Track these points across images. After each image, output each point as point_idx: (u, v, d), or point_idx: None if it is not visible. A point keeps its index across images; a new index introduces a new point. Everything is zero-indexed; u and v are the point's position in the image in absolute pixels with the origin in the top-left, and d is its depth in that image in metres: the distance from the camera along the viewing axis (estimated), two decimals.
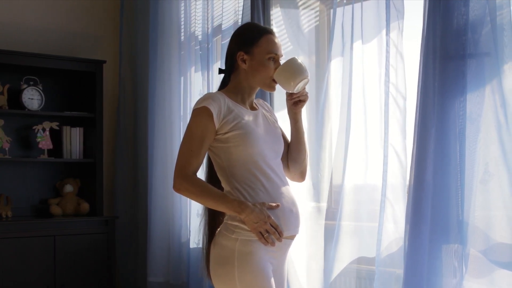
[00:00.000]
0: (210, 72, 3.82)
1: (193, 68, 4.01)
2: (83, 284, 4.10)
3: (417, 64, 2.46)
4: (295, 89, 2.15)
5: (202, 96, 2.12)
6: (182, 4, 4.11)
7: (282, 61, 2.18)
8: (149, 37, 4.23)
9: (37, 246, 3.96)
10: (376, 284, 2.67)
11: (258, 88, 2.22)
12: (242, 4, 3.51)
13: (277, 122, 2.30)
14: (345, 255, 2.90)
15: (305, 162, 2.29)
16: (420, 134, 2.21)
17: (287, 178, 2.21)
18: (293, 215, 2.10)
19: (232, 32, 3.62)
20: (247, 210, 1.99)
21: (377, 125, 2.83)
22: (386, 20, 2.73)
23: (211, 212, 2.19)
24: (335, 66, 3.04)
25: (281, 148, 2.20)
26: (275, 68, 2.13)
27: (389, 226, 2.69)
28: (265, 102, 2.35)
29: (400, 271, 2.53)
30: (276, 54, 2.15)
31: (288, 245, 2.14)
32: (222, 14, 3.79)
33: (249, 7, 3.38)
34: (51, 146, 4.23)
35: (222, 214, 2.15)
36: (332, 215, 2.99)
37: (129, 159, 4.53)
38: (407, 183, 2.47)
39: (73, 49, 4.53)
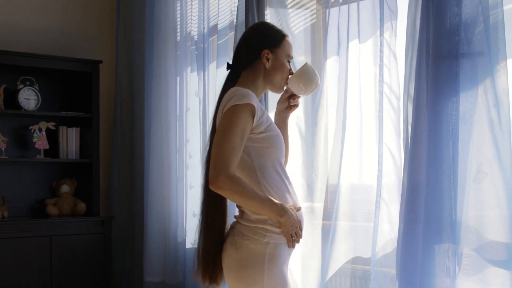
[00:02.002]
0: (206, 72, 3.82)
1: (189, 68, 4.01)
2: (80, 284, 4.10)
3: (410, 64, 2.46)
4: (305, 94, 2.24)
5: (235, 91, 2.06)
6: (178, 4, 4.11)
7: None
8: (145, 37, 4.23)
9: (33, 246, 3.96)
10: (372, 284, 2.68)
11: (271, 88, 2.24)
12: (237, 4, 3.51)
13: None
14: (340, 255, 2.90)
15: (287, 161, 2.36)
16: (413, 134, 2.21)
17: None
18: (300, 216, 2.15)
19: (227, 32, 3.71)
20: (287, 214, 2.03)
21: (372, 124, 2.83)
22: (380, 20, 2.74)
23: (213, 215, 2.15)
24: (330, 65, 3.04)
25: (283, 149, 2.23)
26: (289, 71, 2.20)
27: (384, 226, 2.69)
28: None
29: (394, 271, 2.53)
30: (292, 57, 2.23)
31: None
32: (218, 14, 3.79)
33: (244, 7, 3.39)
34: (47, 146, 4.23)
35: (225, 216, 2.14)
36: (328, 215, 2.99)
37: (126, 159, 4.53)
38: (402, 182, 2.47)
39: (69, 49, 4.53)
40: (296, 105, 2.31)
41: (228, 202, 2.20)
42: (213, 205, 2.14)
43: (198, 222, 2.21)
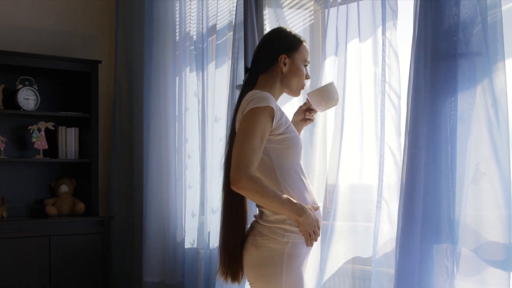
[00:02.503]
0: (205, 72, 3.81)
1: (188, 68, 4.01)
2: (79, 284, 4.10)
3: (409, 64, 2.46)
4: (323, 110, 2.32)
5: (254, 94, 2.12)
6: (177, 4, 4.11)
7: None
8: (144, 37, 4.23)
9: (32, 246, 3.96)
10: (373, 284, 2.67)
11: (288, 92, 2.30)
12: (236, 4, 3.51)
13: None
14: (339, 255, 2.90)
15: None
16: (412, 134, 2.21)
17: None
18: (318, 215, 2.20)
19: (226, 32, 3.71)
20: (306, 213, 2.09)
21: (372, 123, 2.83)
22: (382, 20, 2.74)
23: (234, 214, 2.21)
24: (329, 65, 3.04)
25: None
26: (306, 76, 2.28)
27: (385, 226, 2.69)
28: None
29: (393, 271, 2.53)
30: (308, 62, 2.29)
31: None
32: (216, 14, 3.79)
33: (242, 7, 3.39)
34: (46, 146, 4.23)
35: (245, 216, 2.21)
36: (326, 215, 2.99)
37: (125, 159, 4.53)
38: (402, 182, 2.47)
39: (68, 49, 4.53)
40: (311, 120, 2.39)
41: (248, 201, 2.25)
42: (234, 205, 2.21)
43: (220, 222, 2.28)
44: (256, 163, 2.06)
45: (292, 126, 2.20)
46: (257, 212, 2.24)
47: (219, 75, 3.74)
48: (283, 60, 2.22)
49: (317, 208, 2.18)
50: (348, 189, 2.90)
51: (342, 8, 2.93)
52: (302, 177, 2.18)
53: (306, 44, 2.29)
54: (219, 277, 2.24)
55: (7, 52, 4.06)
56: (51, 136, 4.32)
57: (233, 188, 2.07)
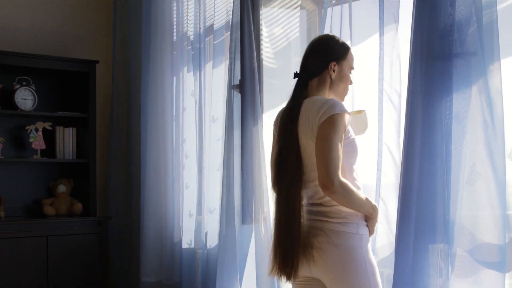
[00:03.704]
0: (202, 72, 3.81)
1: (185, 68, 4.01)
2: (76, 284, 4.10)
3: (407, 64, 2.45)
4: (354, 135, 2.41)
5: (326, 101, 2.23)
6: (175, 4, 4.11)
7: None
8: (142, 37, 4.22)
9: (30, 247, 3.96)
10: None
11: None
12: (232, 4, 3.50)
13: None
14: None
15: None
16: (408, 134, 2.20)
17: None
18: None
19: (223, 32, 3.70)
20: (376, 211, 2.24)
21: (371, 123, 2.81)
22: (380, 19, 2.73)
23: (292, 215, 2.26)
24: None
25: None
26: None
27: (382, 226, 2.68)
28: None
29: (390, 271, 2.52)
30: (354, 68, 2.41)
31: None
32: (214, 14, 3.78)
33: (239, 7, 3.38)
34: (44, 147, 4.23)
35: (302, 216, 2.26)
36: None
37: (122, 159, 4.52)
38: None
39: (66, 49, 4.53)
40: None
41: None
42: (290, 206, 2.25)
43: (273, 223, 2.32)
44: (340, 167, 2.17)
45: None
46: (317, 212, 2.27)
47: (216, 75, 3.73)
48: (332, 67, 2.33)
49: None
50: None
51: (340, 7, 2.92)
52: (356, 177, 2.30)
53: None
54: (272, 276, 2.31)
55: (5, 52, 4.06)
56: (49, 136, 4.32)
57: (326, 193, 2.16)
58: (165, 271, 4.00)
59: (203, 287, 3.72)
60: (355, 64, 2.41)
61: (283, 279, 2.27)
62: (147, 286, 4.08)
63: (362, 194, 2.22)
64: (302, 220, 2.24)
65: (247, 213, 3.36)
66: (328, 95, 2.37)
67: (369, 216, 2.23)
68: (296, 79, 2.39)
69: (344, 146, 2.23)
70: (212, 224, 3.68)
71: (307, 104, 2.27)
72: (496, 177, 2.02)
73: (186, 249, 3.91)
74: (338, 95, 2.39)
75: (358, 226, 2.22)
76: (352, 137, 2.27)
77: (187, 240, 3.91)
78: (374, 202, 2.25)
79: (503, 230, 1.98)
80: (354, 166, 2.30)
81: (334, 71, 2.34)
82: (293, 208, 2.24)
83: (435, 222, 2.09)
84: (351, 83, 2.41)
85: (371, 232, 2.26)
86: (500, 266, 1.96)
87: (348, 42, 2.88)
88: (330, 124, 2.18)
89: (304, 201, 2.31)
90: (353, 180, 2.26)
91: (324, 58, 2.35)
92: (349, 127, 2.28)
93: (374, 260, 2.21)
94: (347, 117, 2.22)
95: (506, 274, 2.00)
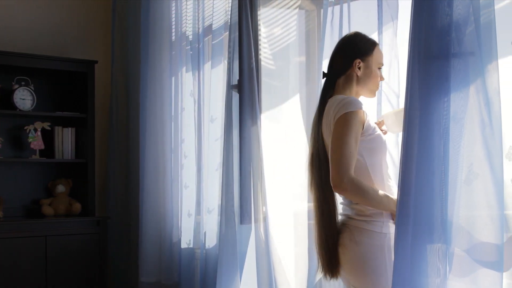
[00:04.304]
0: (201, 72, 3.81)
1: (184, 68, 4.01)
2: (75, 285, 4.10)
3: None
4: (392, 132, 2.47)
5: (343, 99, 2.25)
6: (173, 4, 4.11)
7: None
8: (141, 37, 4.23)
9: (28, 247, 3.96)
10: None
11: (365, 94, 2.42)
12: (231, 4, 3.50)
13: None
14: None
15: None
16: (406, 134, 2.20)
17: None
18: None
19: (222, 32, 3.70)
20: None
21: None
22: (378, 19, 2.73)
23: (328, 213, 2.33)
24: (325, 66, 3.02)
25: None
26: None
27: None
28: None
29: None
30: (382, 65, 2.42)
31: None
32: (212, 14, 3.78)
33: (237, 7, 3.38)
34: (42, 147, 4.23)
35: (336, 214, 2.32)
36: None
37: (121, 159, 4.53)
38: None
39: (64, 49, 4.53)
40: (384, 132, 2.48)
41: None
42: (326, 205, 2.32)
43: (314, 223, 2.37)
44: (353, 165, 2.20)
45: (377, 127, 2.33)
46: (346, 210, 2.34)
47: (215, 75, 3.73)
48: (357, 64, 2.35)
49: None
50: None
51: (339, 7, 2.92)
52: (385, 175, 2.32)
53: (380, 47, 2.41)
54: (319, 275, 2.39)
55: (3, 52, 4.06)
56: (48, 136, 4.32)
57: (336, 190, 2.22)
58: (163, 271, 4.00)
59: (202, 287, 3.72)
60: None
61: (328, 277, 2.32)
62: (146, 286, 4.08)
63: (380, 192, 2.23)
64: (336, 219, 2.32)
65: (246, 213, 3.36)
66: (356, 92, 2.38)
67: (394, 215, 2.21)
68: (325, 79, 2.42)
69: (364, 143, 2.26)
70: (211, 224, 3.68)
71: (329, 103, 2.30)
72: (493, 177, 2.02)
73: (185, 249, 3.91)
74: (367, 92, 2.40)
75: (383, 224, 2.23)
76: (375, 134, 2.27)
77: (186, 240, 3.91)
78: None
79: (501, 229, 1.98)
80: (382, 164, 2.31)
81: (360, 68, 2.35)
82: (328, 209, 2.31)
83: (433, 222, 2.09)
84: (382, 79, 2.43)
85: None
86: (498, 265, 1.96)
87: None
88: (343, 122, 2.20)
89: (341, 200, 2.38)
90: (383, 177, 2.29)
91: (349, 56, 2.37)
92: (374, 126, 2.29)
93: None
94: (362, 114, 2.22)
95: (504, 274, 2.01)
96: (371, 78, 2.37)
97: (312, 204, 2.39)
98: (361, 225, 2.25)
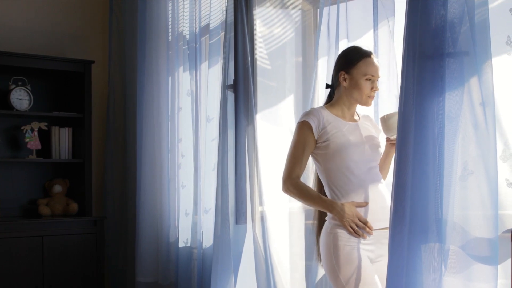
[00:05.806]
0: (198, 72, 3.81)
1: (181, 68, 4.01)
2: (72, 285, 4.10)
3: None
4: (391, 136, 2.53)
5: (306, 110, 2.53)
6: (170, 4, 4.11)
7: (380, 83, 2.56)
8: (138, 37, 4.23)
9: (25, 247, 3.96)
10: None
11: (357, 103, 2.53)
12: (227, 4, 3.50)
13: (378, 134, 2.61)
14: None
15: (386, 174, 2.65)
16: (401, 134, 2.21)
17: (382, 179, 2.54)
18: (380, 210, 2.43)
19: (219, 31, 3.70)
20: (336, 209, 2.39)
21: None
22: (374, 20, 2.73)
23: (319, 214, 2.58)
24: (323, 65, 3.03)
25: (376, 154, 2.53)
26: (371, 88, 2.48)
27: None
28: (370, 117, 2.67)
29: None
30: (372, 76, 2.48)
31: (383, 237, 2.42)
32: (209, 14, 3.79)
33: (232, 7, 3.38)
34: (39, 147, 4.23)
35: (324, 214, 2.51)
36: None
37: (118, 159, 4.53)
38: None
39: (61, 49, 4.53)
40: (392, 142, 2.56)
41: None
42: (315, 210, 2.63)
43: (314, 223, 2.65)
44: (297, 170, 2.45)
45: (341, 133, 2.44)
46: None
47: (212, 74, 3.74)
48: (342, 76, 2.49)
49: (361, 205, 2.41)
50: None
51: (335, 7, 2.92)
52: (351, 177, 2.42)
53: (374, 58, 2.48)
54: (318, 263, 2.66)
55: (0, 52, 4.05)
56: (44, 136, 4.32)
57: (283, 191, 2.49)
58: (161, 271, 4.01)
59: (199, 287, 3.72)
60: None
61: (319, 261, 2.57)
62: (143, 286, 4.08)
63: (315, 194, 2.45)
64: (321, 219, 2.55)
65: (241, 213, 3.36)
66: (349, 102, 2.51)
67: (333, 216, 2.40)
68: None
69: (319, 150, 2.45)
70: (208, 224, 3.68)
71: None
72: (487, 176, 2.03)
73: (182, 248, 3.91)
74: (356, 101, 2.51)
75: (331, 224, 2.42)
76: (331, 141, 2.42)
77: (183, 240, 3.91)
78: (341, 203, 2.39)
79: (494, 225, 1.99)
80: (345, 168, 2.42)
81: (345, 79, 2.48)
82: (315, 210, 2.61)
83: (428, 221, 2.10)
84: (376, 89, 2.50)
85: (349, 232, 2.38)
86: (492, 259, 1.97)
87: (344, 41, 2.89)
88: (294, 131, 2.50)
89: None
90: (341, 180, 2.43)
91: (336, 68, 2.54)
92: (334, 132, 2.43)
93: (348, 258, 2.35)
94: (313, 125, 2.42)
95: (499, 274, 2.02)
96: (356, 89, 2.47)
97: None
98: (325, 224, 2.47)
